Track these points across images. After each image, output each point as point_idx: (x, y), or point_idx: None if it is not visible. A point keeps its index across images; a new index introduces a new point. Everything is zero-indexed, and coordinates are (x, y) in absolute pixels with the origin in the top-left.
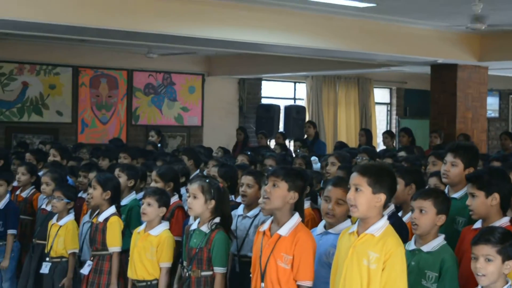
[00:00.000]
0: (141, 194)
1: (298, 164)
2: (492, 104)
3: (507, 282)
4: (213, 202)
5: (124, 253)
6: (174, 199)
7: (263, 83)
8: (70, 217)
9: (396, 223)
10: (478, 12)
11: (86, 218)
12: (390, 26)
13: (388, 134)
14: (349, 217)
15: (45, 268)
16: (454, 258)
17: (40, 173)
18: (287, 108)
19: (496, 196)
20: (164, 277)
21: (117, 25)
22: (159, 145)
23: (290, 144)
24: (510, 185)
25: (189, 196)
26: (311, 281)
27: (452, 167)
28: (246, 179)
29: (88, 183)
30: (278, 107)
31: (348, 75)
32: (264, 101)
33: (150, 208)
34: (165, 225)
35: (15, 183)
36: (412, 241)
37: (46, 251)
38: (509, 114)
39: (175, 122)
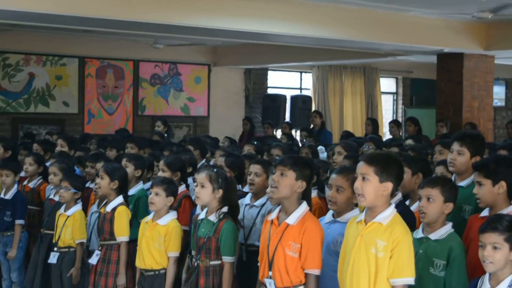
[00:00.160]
0: (148, 184)
1: (304, 154)
2: (498, 93)
3: None
4: (220, 191)
5: (132, 243)
6: (181, 188)
7: (269, 73)
8: (78, 207)
9: (404, 211)
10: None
11: (94, 208)
12: (396, 15)
13: (394, 124)
14: (357, 205)
15: (53, 258)
16: (462, 246)
17: (47, 164)
18: (293, 98)
19: (503, 184)
20: (172, 267)
21: (123, 15)
22: (165, 135)
23: (297, 134)
24: None
25: (196, 186)
26: (319, 269)
27: (459, 156)
28: (254, 168)
29: (96, 173)
30: (284, 97)
31: (354, 64)
32: (270, 91)
33: (158, 198)
34: (173, 215)
35: (22, 174)
36: (420, 229)
37: (54, 241)
38: None
39: (181, 113)
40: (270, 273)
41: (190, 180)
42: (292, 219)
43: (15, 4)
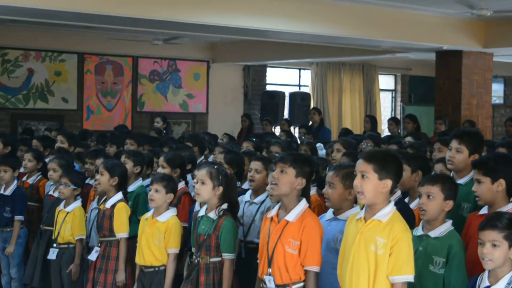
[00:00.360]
0: (147, 181)
1: (303, 151)
2: (497, 90)
3: None
4: (221, 188)
5: (131, 239)
6: (181, 185)
7: (268, 69)
8: (77, 203)
9: (403, 209)
10: None
11: (93, 204)
12: (395, 13)
13: (393, 121)
14: (357, 203)
15: (52, 254)
16: (462, 243)
17: (47, 160)
18: (292, 95)
19: (502, 182)
20: (171, 263)
21: (122, 11)
22: (163, 131)
23: (295, 131)
24: None
25: (196, 182)
26: (318, 266)
27: (457, 154)
28: (255, 165)
29: (95, 169)
30: (283, 93)
31: (353, 61)
32: (269, 87)
33: (158, 195)
34: (172, 211)
35: (21, 170)
36: (420, 227)
37: (53, 237)
38: None
39: (180, 109)
40: (270, 270)
41: (189, 176)
42: (291, 216)
43: (17, 0)
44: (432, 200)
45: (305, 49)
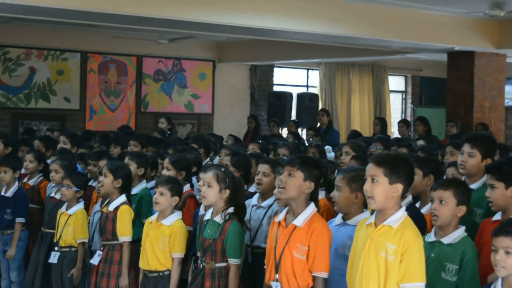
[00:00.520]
0: (151, 183)
1: (311, 153)
2: (510, 92)
3: None
4: (227, 191)
5: (134, 243)
6: (186, 188)
7: (275, 69)
8: (80, 206)
9: (414, 214)
10: None
11: (97, 207)
12: (406, 12)
13: (403, 123)
14: (367, 207)
15: (53, 258)
16: (475, 250)
17: (48, 161)
18: (300, 96)
19: None
20: (176, 268)
21: (126, 10)
22: (168, 132)
23: (303, 133)
24: None
25: (202, 185)
26: (326, 272)
27: (470, 158)
28: (263, 168)
29: (99, 171)
30: (290, 94)
31: (362, 62)
32: (276, 88)
33: (163, 198)
34: (177, 215)
35: (22, 171)
36: (432, 233)
37: (55, 240)
38: None
39: (185, 110)
40: (277, 276)
41: (194, 179)
42: (299, 221)
43: None
44: (445, 205)
45: (313, 49)
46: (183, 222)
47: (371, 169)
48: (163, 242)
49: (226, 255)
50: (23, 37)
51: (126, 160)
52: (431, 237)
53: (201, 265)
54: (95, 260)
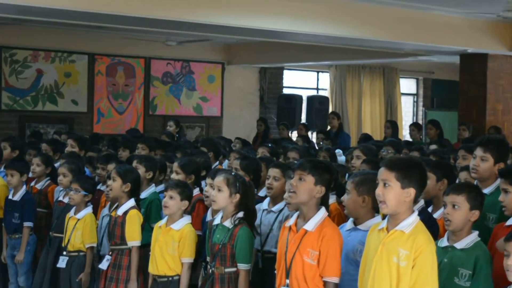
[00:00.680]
0: (160, 187)
1: (322, 157)
2: None
3: None
4: (238, 196)
5: (143, 248)
6: (195, 192)
7: (285, 72)
8: (88, 210)
9: (426, 219)
10: None
11: (105, 211)
12: (418, 14)
13: (415, 126)
14: (378, 212)
15: (62, 263)
16: (489, 255)
17: (56, 164)
18: (310, 99)
19: None
20: (186, 273)
21: (135, 11)
22: (176, 135)
23: (313, 136)
24: None
25: (209, 189)
26: (338, 277)
27: (482, 162)
28: (273, 172)
29: (107, 174)
30: (300, 97)
31: (373, 64)
32: (286, 91)
33: (172, 201)
34: (187, 219)
35: (30, 174)
36: (445, 238)
37: (63, 245)
38: None
39: (194, 112)
40: (287, 281)
41: (204, 183)
42: (310, 225)
43: None
44: (458, 210)
45: (323, 51)
46: (193, 227)
47: (383, 173)
48: (173, 247)
49: (236, 260)
50: (30, 38)
51: (134, 163)
52: (443, 242)
53: (210, 270)
54: (103, 265)
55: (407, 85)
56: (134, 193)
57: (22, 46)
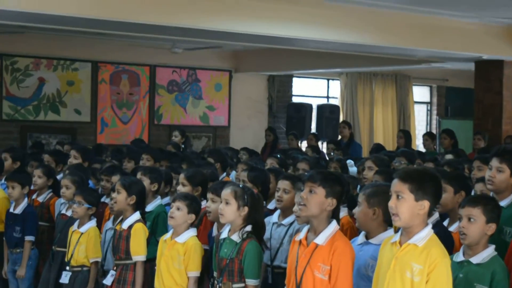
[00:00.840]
0: (166, 199)
1: (333, 168)
2: None
3: None
4: (246, 209)
5: (149, 262)
6: (203, 204)
7: (294, 80)
8: (92, 223)
9: (440, 232)
10: None
11: (108, 224)
12: (431, 19)
13: (428, 136)
14: (391, 225)
15: (65, 278)
16: (506, 270)
17: (59, 176)
18: (320, 107)
19: None
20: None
21: (140, 18)
22: (182, 146)
23: (323, 146)
24: None
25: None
26: None
27: (498, 173)
28: (283, 184)
29: (111, 187)
30: (310, 106)
31: (385, 71)
32: (295, 99)
33: (179, 213)
34: (192, 232)
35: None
36: (461, 252)
37: (66, 260)
38: None
39: (200, 122)
40: None
41: None
42: (321, 239)
43: (25, 5)
44: (474, 223)
45: (334, 58)
46: (200, 240)
47: (396, 185)
48: (179, 261)
49: (244, 276)
50: (32, 46)
51: (139, 175)
52: (459, 256)
53: (217, 286)
54: (108, 280)
55: (420, 93)
56: (139, 205)
57: (23, 54)
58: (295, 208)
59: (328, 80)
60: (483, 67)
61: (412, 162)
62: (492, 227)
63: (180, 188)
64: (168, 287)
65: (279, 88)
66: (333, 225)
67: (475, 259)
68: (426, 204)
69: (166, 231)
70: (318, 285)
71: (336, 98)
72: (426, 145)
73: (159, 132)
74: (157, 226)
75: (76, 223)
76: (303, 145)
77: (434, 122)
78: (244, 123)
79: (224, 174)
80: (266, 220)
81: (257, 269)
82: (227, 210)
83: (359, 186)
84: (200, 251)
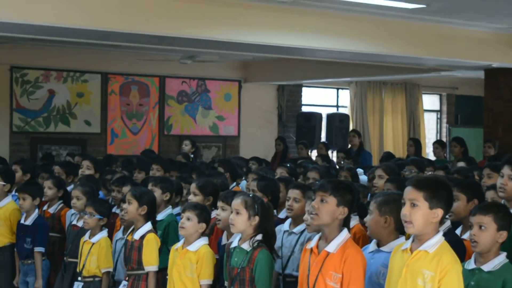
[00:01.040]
0: (177, 209)
1: (343, 177)
2: None
3: None
4: (256, 218)
5: (161, 272)
6: (214, 214)
7: (304, 89)
8: (103, 234)
9: (452, 240)
10: None
11: (119, 234)
12: (440, 28)
13: (438, 144)
14: (402, 233)
15: None
16: None
17: (69, 188)
18: (330, 116)
19: None
20: None
21: (150, 29)
22: (191, 156)
23: (333, 155)
24: None
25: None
26: None
27: (510, 181)
28: (294, 193)
29: (122, 197)
30: (319, 115)
31: (394, 80)
32: (304, 109)
33: (189, 223)
34: (204, 240)
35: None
36: (472, 260)
37: (78, 270)
38: None
39: (210, 132)
40: None
41: None
42: (332, 247)
43: (35, 18)
44: (485, 231)
45: (343, 67)
46: (211, 249)
47: (410, 192)
48: (191, 270)
49: (255, 285)
50: (41, 58)
51: (150, 186)
52: (470, 264)
53: None
54: None
55: (430, 101)
56: (150, 216)
57: (33, 66)
58: (306, 216)
59: (337, 89)
60: (493, 75)
61: (422, 171)
62: (504, 234)
63: (192, 198)
64: None
65: (289, 97)
66: (344, 233)
67: (486, 267)
68: (439, 212)
69: (177, 240)
70: None
71: (346, 107)
72: (436, 153)
73: (169, 142)
74: (168, 235)
75: (87, 234)
76: (313, 154)
77: (444, 130)
78: (254, 132)
79: (234, 183)
80: (277, 228)
81: (269, 278)
82: (238, 220)
83: (369, 195)
84: (212, 259)
